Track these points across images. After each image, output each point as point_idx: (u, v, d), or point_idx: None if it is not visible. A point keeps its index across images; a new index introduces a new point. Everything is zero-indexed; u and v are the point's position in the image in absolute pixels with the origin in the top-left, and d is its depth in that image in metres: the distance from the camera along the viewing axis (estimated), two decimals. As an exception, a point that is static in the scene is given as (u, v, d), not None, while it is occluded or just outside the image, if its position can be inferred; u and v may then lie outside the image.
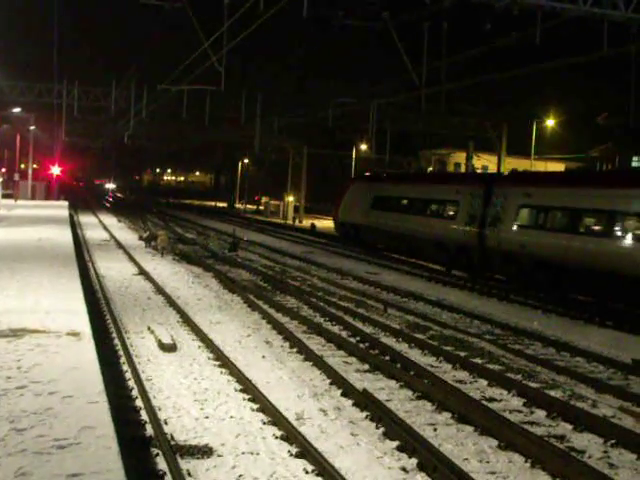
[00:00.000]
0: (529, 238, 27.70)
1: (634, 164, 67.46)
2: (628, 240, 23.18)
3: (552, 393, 14.29)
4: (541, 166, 75.40)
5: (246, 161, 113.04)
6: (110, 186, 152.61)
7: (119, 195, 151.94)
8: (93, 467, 6.90)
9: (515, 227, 28.76)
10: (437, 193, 36.48)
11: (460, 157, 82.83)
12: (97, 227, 53.61)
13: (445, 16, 28.43)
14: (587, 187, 26.17)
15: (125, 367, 14.54)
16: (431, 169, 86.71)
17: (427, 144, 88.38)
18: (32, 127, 73.95)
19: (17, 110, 65.45)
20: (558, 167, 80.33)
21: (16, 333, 12.54)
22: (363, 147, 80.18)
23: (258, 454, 10.39)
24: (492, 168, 74.29)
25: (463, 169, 77.42)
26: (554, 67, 29.69)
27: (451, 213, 34.31)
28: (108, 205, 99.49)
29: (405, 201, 40.00)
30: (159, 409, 12.05)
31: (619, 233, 23.59)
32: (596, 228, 24.96)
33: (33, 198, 76.11)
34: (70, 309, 15.18)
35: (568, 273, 25.29)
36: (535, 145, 69.20)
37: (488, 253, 30.28)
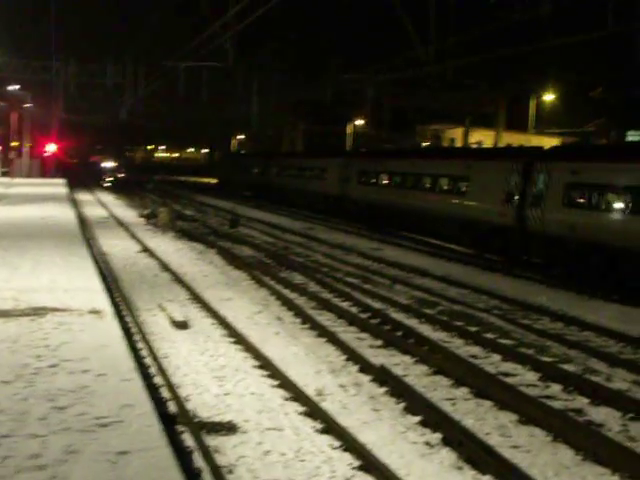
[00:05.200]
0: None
1: (630, 138, 67.57)
2: None
3: (566, 367, 14.40)
4: (536, 141, 75.36)
5: (240, 137, 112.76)
6: (108, 164, 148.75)
7: (120, 176, 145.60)
8: (139, 445, 6.99)
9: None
10: (252, 162, 71.82)
11: (455, 132, 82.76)
12: (94, 204, 53.41)
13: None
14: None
15: (140, 344, 14.56)
16: (428, 144, 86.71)
17: (424, 119, 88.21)
18: (28, 105, 73.63)
19: (15, 88, 65.09)
20: (554, 142, 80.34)
21: (37, 312, 12.61)
22: (359, 122, 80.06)
23: (282, 430, 10.48)
24: (488, 143, 74.28)
25: (459, 144, 77.37)
26: (561, 44, 29.49)
27: (256, 170, 68.57)
28: (105, 185, 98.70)
29: (241, 163, 77.89)
30: (179, 386, 12.11)
31: None
32: None
33: (29, 176, 75.91)
34: (87, 287, 15.25)
35: None
36: (534, 120, 69.14)
37: (273, 189, 62.92)
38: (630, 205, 23.00)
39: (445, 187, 34.62)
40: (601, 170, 24.45)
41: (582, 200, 25.05)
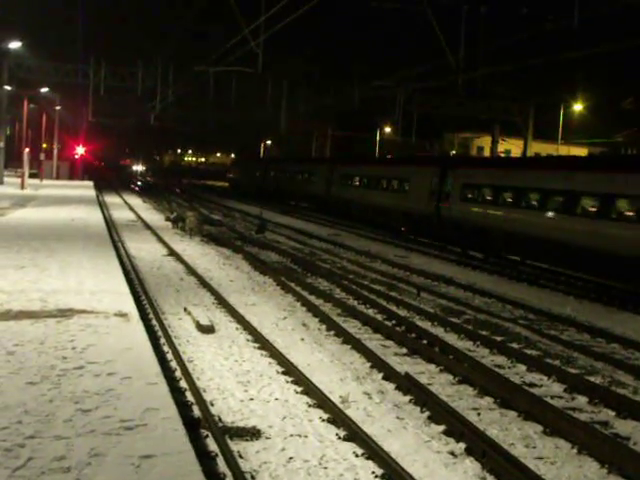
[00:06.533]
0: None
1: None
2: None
3: (592, 379, 14.30)
4: (564, 151, 74.92)
5: (269, 142, 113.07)
6: (138, 168, 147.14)
7: (149, 179, 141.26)
8: (163, 449, 6.99)
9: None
10: (255, 167, 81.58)
11: (483, 141, 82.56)
12: (122, 207, 53.73)
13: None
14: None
15: (166, 348, 14.57)
16: (454, 152, 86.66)
17: (452, 127, 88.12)
18: (58, 107, 74.11)
19: (45, 90, 65.50)
20: (582, 152, 79.92)
21: (64, 313, 12.68)
22: (387, 130, 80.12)
23: (306, 437, 10.44)
24: (515, 152, 74.02)
25: (487, 152, 77.19)
26: (591, 54, 29.40)
27: (257, 174, 77.37)
28: (136, 189, 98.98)
29: (246, 167, 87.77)
30: (204, 390, 12.11)
31: None
32: None
33: (57, 178, 76.50)
34: (114, 290, 15.31)
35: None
36: (562, 130, 68.77)
37: (271, 190, 72.94)
38: (491, 198, 32.52)
39: (395, 187, 44.45)
40: (477, 174, 34.80)
41: (469, 195, 34.68)
